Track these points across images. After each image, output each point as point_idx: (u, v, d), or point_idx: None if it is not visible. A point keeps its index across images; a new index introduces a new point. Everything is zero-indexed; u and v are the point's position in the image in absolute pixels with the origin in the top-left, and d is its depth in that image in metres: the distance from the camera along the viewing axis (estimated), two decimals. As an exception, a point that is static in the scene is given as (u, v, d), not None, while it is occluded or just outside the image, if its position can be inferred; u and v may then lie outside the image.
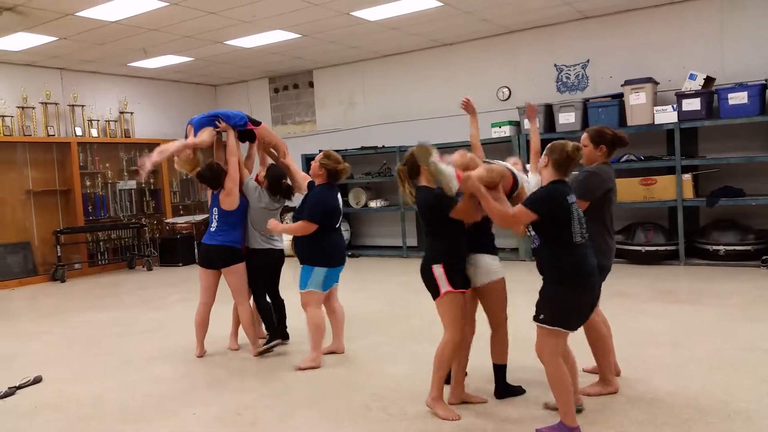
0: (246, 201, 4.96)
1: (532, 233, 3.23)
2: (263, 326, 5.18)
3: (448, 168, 3.37)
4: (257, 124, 5.18)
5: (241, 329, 5.15)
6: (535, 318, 3.22)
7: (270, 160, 5.26)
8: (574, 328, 3.22)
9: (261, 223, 4.86)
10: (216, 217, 4.92)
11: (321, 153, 4.71)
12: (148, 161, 4.83)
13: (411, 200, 3.73)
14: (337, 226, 4.68)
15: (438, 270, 3.52)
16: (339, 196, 4.74)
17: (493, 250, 3.71)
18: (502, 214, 3.24)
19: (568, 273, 3.16)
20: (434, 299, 3.58)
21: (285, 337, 5.24)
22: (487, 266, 3.63)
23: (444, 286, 3.51)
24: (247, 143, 5.31)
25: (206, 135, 4.93)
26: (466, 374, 3.89)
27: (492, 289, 3.65)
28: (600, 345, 3.73)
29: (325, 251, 4.59)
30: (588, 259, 3.20)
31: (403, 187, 3.71)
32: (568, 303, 3.16)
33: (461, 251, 3.61)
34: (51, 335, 6.14)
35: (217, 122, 4.98)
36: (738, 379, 3.84)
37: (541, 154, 3.39)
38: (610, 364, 3.76)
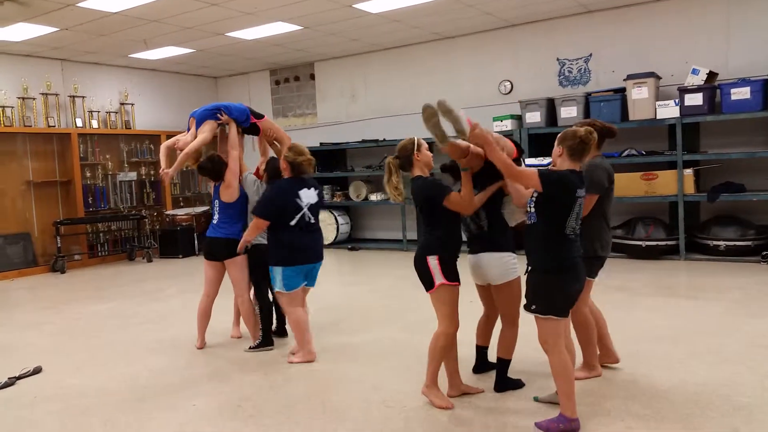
0: (246, 194, 4.96)
1: (532, 210, 3.24)
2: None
3: (459, 110, 3.32)
4: (260, 117, 5.17)
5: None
6: (527, 308, 3.26)
7: (271, 153, 5.26)
8: (566, 315, 3.24)
9: None
10: (217, 209, 4.93)
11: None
12: (167, 176, 4.86)
13: (394, 194, 3.69)
14: (293, 223, 4.43)
15: (433, 261, 3.52)
16: (307, 191, 4.50)
17: (511, 248, 3.68)
18: (509, 164, 3.23)
19: (555, 264, 3.19)
20: (427, 291, 3.59)
21: (283, 333, 5.23)
22: (504, 265, 3.61)
23: (438, 278, 3.51)
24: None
25: (207, 131, 4.89)
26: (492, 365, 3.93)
27: (508, 287, 3.65)
28: (584, 332, 3.81)
29: (279, 249, 4.46)
30: (574, 251, 3.23)
31: (389, 178, 3.68)
32: (556, 292, 3.18)
33: (457, 243, 3.62)
34: (51, 326, 6.14)
35: (218, 114, 4.96)
36: (739, 375, 3.84)
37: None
38: (594, 351, 3.86)
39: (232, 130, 4.97)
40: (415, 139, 3.70)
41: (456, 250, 3.61)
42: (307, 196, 4.52)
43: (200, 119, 4.94)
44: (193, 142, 4.83)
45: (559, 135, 3.34)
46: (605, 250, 3.83)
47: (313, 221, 4.57)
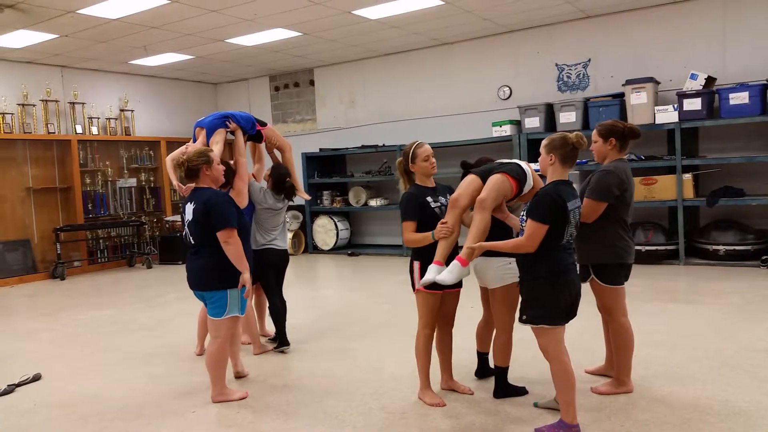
0: (252, 201, 4.96)
1: (524, 224, 3.16)
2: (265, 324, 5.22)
3: (453, 276, 3.33)
4: (263, 124, 5.21)
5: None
6: (520, 319, 3.24)
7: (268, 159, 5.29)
8: (560, 323, 3.17)
9: (266, 223, 4.93)
10: None
11: None
12: (191, 189, 4.80)
13: None
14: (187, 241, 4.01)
15: (415, 266, 3.65)
16: (189, 206, 3.92)
17: (509, 254, 3.59)
18: (518, 246, 3.16)
19: (544, 273, 3.14)
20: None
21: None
22: (499, 269, 3.60)
23: (417, 283, 3.64)
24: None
25: (220, 141, 4.84)
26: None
27: (503, 292, 3.64)
28: (624, 347, 3.69)
29: None
30: (565, 259, 3.16)
31: (403, 183, 3.79)
32: (545, 301, 3.14)
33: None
34: (50, 333, 6.13)
35: (227, 122, 4.96)
36: (738, 379, 3.84)
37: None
38: (627, 365, 3.72)
39: (239, 137, 4.97)
40: (410, 150, 3.70)
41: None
42: (188, 211, 3.92)
43: (210, 129, 4.89)
44: (217, 151, 4.74)
45: (545, 142, 3.21)
46: (624, 256, 3.64)
47: (192, 242, 3.92)
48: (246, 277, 3.85)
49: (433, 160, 3.70)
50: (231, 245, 3.77)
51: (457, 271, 3.31)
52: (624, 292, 3.74)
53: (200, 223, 3.82)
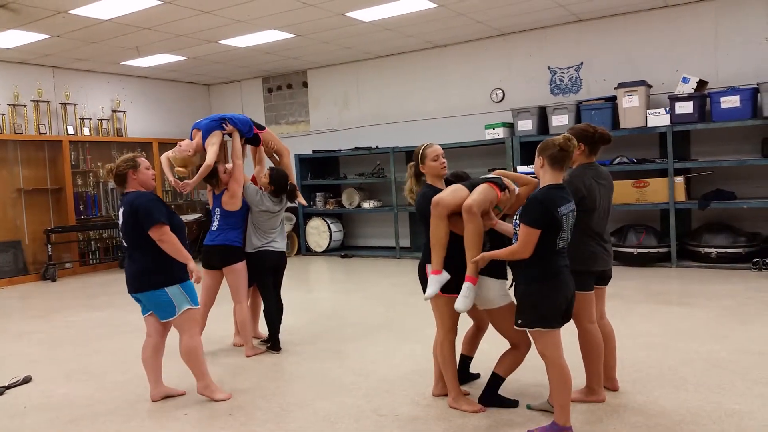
0: (247, 203, 4.95)
1: (518, 229, 3.14)
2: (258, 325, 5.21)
3: (470, 300, 3.36)
4: (261, 128, 5.21)
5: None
6: (516, 323, 3.21)
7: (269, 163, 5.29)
8: (555, 326, 3.16)
9: (263, 226, 4.93)
10: (218, 217, 4.94)
11: None
12: (187, 188, 4.77)
13: (410, 198, 3.75)
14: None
15: (430, 270, 3.50)
16: (120, 209, 3.95)
17: (499, 274, 3.50)
18: (513, 252, 3.15)
19: (537, 276, 3.13)
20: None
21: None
22: (499, 290, 3.48)
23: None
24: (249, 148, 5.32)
25: (216, 143, 4.83)
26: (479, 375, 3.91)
27: (494, 314, 3.53)
28: (591, 353, 3.60)
29: None
30: (558, 262, 3.15)
31: (411, 184, 3.73)
32: (539, 304, 3.13)
33: (456, 254, 3.53)
34: (41, 335, 6.09)
35: (224, 125, 4.95)
36: (730, 381, 3.85)
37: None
38: (597, 373, 3.61)
39: (236, 139, 4.97)
40: (420, 150, 3.68)
41: (455, 260, 3.45)
42: (120, 215, 3.95)
43: (207, 130, 4.89)
44: (209, 156, 4.74)
45: (539, 145, 3.24)
46: (588, 264, 3.53)
47: (126, 245, 4.01)
48: (192, 266, 3.85)
49: (443, 160, 3.67)
50: (165, 242, 3.77)
51: (472, 293, 3.34)
52: (592, 298, 3.60)
53: (130, 224, 3.84)
